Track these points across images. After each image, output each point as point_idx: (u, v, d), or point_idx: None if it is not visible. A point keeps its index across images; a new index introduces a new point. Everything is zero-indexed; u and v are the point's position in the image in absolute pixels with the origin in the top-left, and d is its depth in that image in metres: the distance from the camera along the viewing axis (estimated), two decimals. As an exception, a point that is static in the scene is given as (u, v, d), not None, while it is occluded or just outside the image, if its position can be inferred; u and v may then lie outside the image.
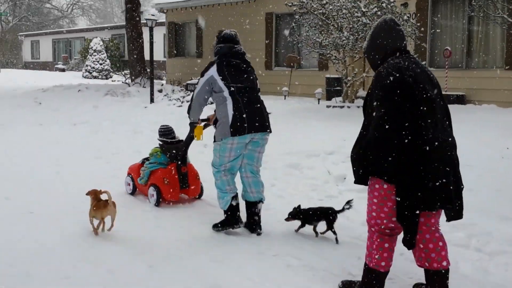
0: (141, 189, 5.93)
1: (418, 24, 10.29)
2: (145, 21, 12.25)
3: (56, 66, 34.66)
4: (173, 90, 13.88)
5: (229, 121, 4.51)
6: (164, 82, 18.45)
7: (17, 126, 10.51)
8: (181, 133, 5.83)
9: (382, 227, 3.28)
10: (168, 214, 5.26)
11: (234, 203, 4.67)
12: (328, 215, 4.58)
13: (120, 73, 22.74)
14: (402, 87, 3.09)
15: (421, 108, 3.08)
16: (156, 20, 12.30)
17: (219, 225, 4.70)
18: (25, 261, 3.92)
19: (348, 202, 4.65)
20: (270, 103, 11.13)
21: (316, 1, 9.68)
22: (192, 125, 5.00)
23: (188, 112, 4.92)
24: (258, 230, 4.72)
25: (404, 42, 3.36)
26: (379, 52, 3.35)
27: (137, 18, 15.94)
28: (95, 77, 27.31)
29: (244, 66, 4.72)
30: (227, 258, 4.07)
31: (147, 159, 6.01)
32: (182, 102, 12.19)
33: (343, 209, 4.62)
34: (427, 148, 3.06)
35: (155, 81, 17.07)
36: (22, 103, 13.73)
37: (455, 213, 3.26)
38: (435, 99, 3.17)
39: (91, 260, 3.97)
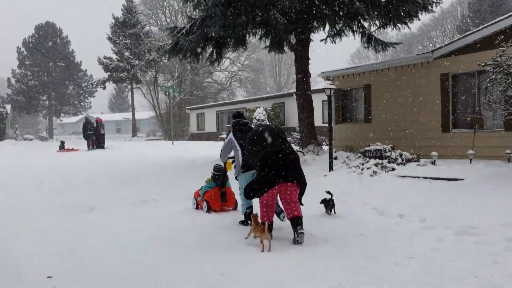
0: (200, 204, 9.44)
1: None
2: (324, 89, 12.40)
3: (220, 136, 36.81)
4: (348, 157, 13.70)
5: (240, 164, 7.88)
6: (334, 149, 18.40)
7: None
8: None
9: (264, 201, 6.79)
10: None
11: (247, 211, 7.93)
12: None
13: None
14: (255, 134, 7.17)
15: (264, 138, 6.93)
16: (334, 88, 12.41)
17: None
18: None
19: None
20: (457, 167, 10.38)
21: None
22: (224, 162, 8.91)
23: (220, 156, 8.53)
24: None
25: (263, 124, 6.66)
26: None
27: (305, 86, 16.38)
28: (258, 145, 28.31)
29: (246, 129, 8.12)
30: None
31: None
32: (362, 170, 11.84)
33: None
34: (267, 154, 6.72)
35: (323, 148, 17.16)
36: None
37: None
38: (274, 136, 6.94)
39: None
